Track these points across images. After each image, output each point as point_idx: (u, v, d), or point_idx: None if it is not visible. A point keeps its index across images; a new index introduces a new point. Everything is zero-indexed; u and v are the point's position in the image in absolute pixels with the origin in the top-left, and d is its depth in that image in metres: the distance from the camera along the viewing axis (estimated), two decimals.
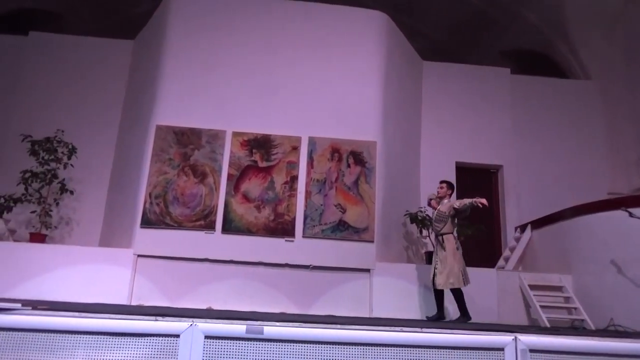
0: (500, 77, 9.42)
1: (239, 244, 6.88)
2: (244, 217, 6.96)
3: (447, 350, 2.88)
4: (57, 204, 7.60)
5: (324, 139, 7.35)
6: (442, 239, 5.85)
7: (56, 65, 8.72)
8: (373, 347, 2.98)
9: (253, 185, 7.09)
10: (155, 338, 2.68)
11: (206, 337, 2.74)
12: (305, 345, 2.92)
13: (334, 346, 2.94)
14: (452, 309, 6.12)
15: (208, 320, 2.75)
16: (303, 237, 6.98)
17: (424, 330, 2.90)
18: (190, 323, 2.71)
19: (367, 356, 2.89)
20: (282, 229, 6.97)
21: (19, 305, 2.62)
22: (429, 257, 7.52)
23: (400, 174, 7.94)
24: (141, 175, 7.07)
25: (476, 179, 8.83)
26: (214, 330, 2.75)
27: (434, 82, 9.15)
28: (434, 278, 5.79)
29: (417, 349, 2.82)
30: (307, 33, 7.85)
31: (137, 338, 2.67)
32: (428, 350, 2.81)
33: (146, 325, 2.68)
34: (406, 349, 2.85)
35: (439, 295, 5.88)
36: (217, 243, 6.88)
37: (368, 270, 6.87)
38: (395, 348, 2.87)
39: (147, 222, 6.82)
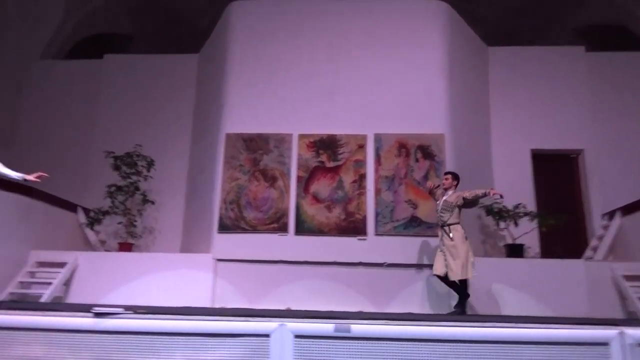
0: (574, 56, 8.84)
1: (312, 245, 6.95)
2: (315, 218, 7.02)
3: (545, 347, 2.73)
4: (141, 214, 8.06)
5: (390, 135, 7.26)
6: (449, 229, 5.78)
7: (130, 84, 9.26)
8: (465, 344, 2.89)
9: (322, 186, 7.14)
10: (247, 338, 2.76)
11: (295, 336, 2.78)
12: (393, 342, 2.89)
13: (423, 344, 2.89)
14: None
15: (296, 320, 2.80)
16: (375, 235, 6.94)
17: (519, 325, 2.77)
18: (279, 323, 2.76)
19: (460, 353, 2.80)
20: (353, 227, 6.96)
21: (121, 310, 2.79)
22: (509, 250, 7.21)
23: (472, 165, 7.68)
24: (215, 182, 7.33)
25: (555, 166, 8.35)
26: (302, 329, 2.79)
27: (502, 68, 8.75)
28: (443, 267, 5.72)
29: (513, 345, 2.70)
30: (367, 30, 7.80)
31: (230, 338, 2.76)
32: (525, 346, 2.68)
33: (238, 326, 2.76)
34: (501, 345, 2.73)
35: (451, 285, 5.79)
36: (290, 245, 7.00)
37: None
38: (489, 345, 2.76)
39: (223, 227, 7.06)
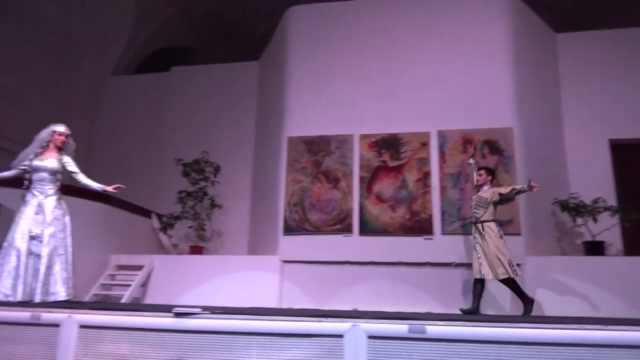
0: None
1: (377, 245, 6.89)
2: (379, 218, 6.96)
3: (632, 350, 2.52)
4: (209, 218, 8.35)
5: (454, 131, 7.06)
6: (482, 226, 5.53)
7: (195, 94, 9.65)
8: (545, 347, 2.74)
9: (385, 186, 7.06)
10: (320, 338, 2.77)
11: (369, 337, 2.75)
12: (470, 344, 2.78)
13: (502, 346, 2.76)
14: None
15: (369, 320, 2.77)
16: (442, 234, 6.76)
17: (604, 327, 2.57)
18: (352, 323, 2.74)
19: (543, 356, 2.65)
20: (419, 227, 6.83)
21: (199, 310, 2.89)
22: (588, 248, 6.78)
23: (543, 159, 7.29)
24: (279, 185, 7.46)
25: (636, 156, 7.74)
26: (376, 330, 2.75)
27: (573, 55, 8.24)
28: (479, 268, 5.48)
29: (597, 349, 2.51)
30: (426, 25, 7.63)
31: (304, 338, 2.78)
32: (609, 350, 2.48)
33: (312, 326, 2.77)
34: (584, 348, 2.55)
35: (478, 286, 5.53)
36: (355, 245, 6.97)
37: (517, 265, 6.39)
38: (571, 348, 2.59)
39: (288, 229, 7.16)
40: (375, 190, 7.07)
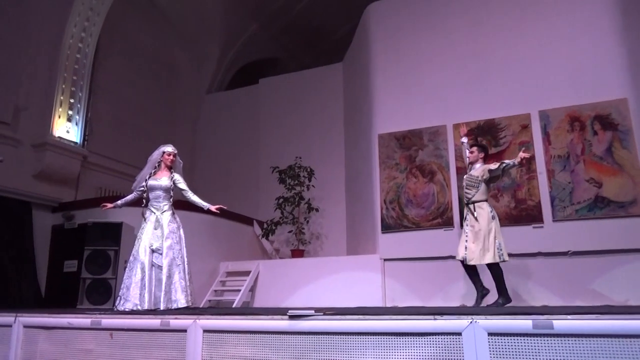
0: None
1: None
2: None
3: None
4: (307, 221, 8.55)
5: (558, 109, 6.53)
6: (474, 207, 5.00)
7: (284, 102, 9.95)
8: None
9: None
10: (437, 337, 2.68)
11: (489, 334, 2.61)
12: (606, 340, 2.53)
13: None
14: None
15: (488, 316, 2.63)
16: (554, 221, 6.29)
17: None
18: (470, 320, 2.63)
19: None
20: (526, 215, 6.41)
21: (312, 312, 2.95)
22: None
23: None
24: (373, 183, 7.41)
25: None
26: (496, 326, 2.61)
27: None
28: (464, 251, 4.97)
29: None
30: None
31: (420, 337, 2.71)
32: None
33: (427, 325, 2.70)
34: None
35: (471, 272, 5.00)
36: (457, 239, 6.69)
37: None
38: None
39: (386, 227, 7.09)
40: None
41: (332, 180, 8.91)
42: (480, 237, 4.96)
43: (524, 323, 2.57)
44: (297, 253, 8.21)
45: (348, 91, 9.19)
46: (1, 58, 7.11)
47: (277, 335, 3.02)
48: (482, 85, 7.03)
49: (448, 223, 6.80)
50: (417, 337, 2.74)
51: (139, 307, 4.61)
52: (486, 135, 6.83)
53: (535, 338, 2.59)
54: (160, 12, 10.49)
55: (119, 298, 4.77)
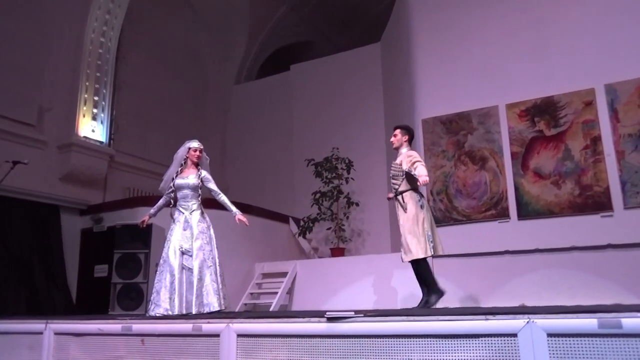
0: None
1: (542, 229, 6.41)
2: (541, 198, 6.47)
3: None
4: (347, 217, 8.56)
5: (627, 82, 6.25)
6: (402, 198, 4.77)
7: (318, 88, 9.98)
8: None
9: (544, 159, 6.54)
10: (490, 339, 2.64)
11: (549, 335, 2.55)
12: None
13: None
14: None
15: (547, 315, 2.57)
16: (625, 208, 6.06)
17: None
18: (526, 320, 2.57)
19: None
20: (593, 203, 6.20)
21: (352, 314, 2.96)
22: None
23: None
24: None
25: None
26: (557, 326, 2.54)
27: None
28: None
29: None
30: None
31: (471, 339, 2.68)
32: None
33: (478, 325, 2.66)
34: None
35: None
36: (515, 232, 6.58)
37: None
38: None
39: (434, 221, 6.99)
40: (532, 165, 6.59)
41: (372, 171, 8.86)
42: (405, 232, 4.81)
43: (589, 322, 2.50)
44: (337, 252, 8.23)
45: (387, 73, 9.10)
46: (22, 58, 7.48)
47: (314, 339, 3.06)
48: (539, 58, 6.80)
49: (503, 214, 6.66)
50: (468, 340, 2.71)
51: (170, 312, 4.76)
52: (544, 115, 6.64)
53: (601, 339, 2.51)
54: None
55: (150, 303, 4.94)
